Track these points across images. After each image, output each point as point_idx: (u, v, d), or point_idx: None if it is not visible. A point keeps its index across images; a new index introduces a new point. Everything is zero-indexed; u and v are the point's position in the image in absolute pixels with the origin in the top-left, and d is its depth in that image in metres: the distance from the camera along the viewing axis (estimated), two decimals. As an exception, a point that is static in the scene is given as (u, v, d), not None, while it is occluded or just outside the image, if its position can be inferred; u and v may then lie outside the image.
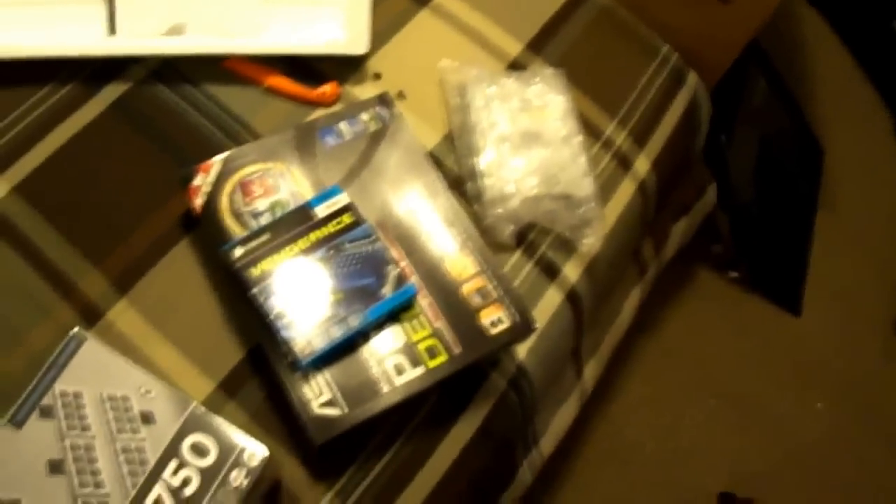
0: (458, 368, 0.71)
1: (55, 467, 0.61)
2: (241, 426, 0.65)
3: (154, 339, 0.73)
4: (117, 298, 0.74)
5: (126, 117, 0.81)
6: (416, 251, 0.74)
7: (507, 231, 0.79)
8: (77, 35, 0.81)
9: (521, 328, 0.73)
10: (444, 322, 0.72)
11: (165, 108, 0.82)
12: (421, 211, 0.76)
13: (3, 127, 0.80)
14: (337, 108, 0.83)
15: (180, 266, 0.76)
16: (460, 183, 0.82)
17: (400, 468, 0.72)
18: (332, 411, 0.68)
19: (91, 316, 0.74)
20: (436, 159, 0.82)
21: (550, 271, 0.81)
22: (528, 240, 0.81)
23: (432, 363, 0.70)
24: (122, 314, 0.74)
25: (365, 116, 0.79)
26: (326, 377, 0.69)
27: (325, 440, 0.67)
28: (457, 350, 0.71)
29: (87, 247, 0.76)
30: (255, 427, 0.71)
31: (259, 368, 0.73)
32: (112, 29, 0.81)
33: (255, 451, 0.63)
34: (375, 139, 0.78)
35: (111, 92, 0.82)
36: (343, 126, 0.79)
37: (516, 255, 0.81)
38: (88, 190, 0.78)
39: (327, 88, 0.82)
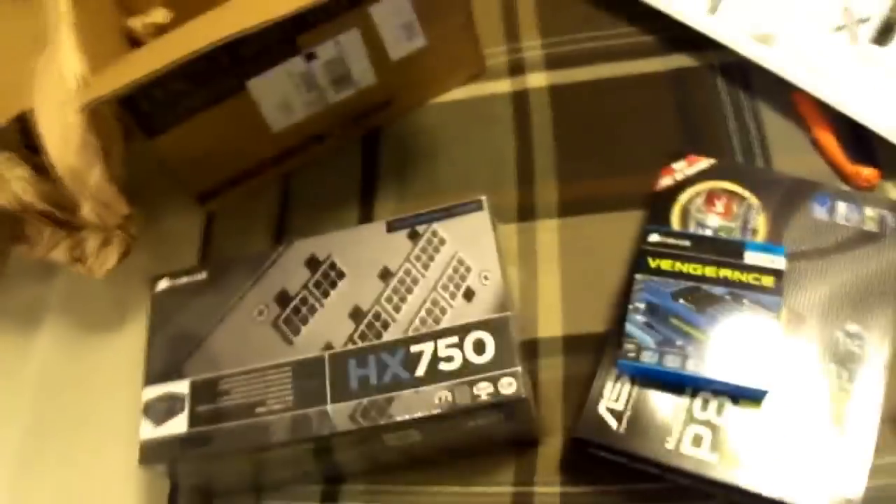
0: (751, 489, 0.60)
1: (384, 274, 0.68)
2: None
3: (549, 267, 0.76)
4: (551, 217, 0.78)
5: (671, 86, 0.83)
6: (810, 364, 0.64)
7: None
8: (683, 4, 0.83)
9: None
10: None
11: (708, 94, 0.82)
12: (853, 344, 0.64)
13: (571, 40, 0.88)
14: (847, 188, 0.74)
15: (610, 226, 0.76)
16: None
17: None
18: (611, 421, 0.63)
19: (524, 213, 0.79)
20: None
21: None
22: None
23: (731, 461, 0.61)
24: (545, 231, 0.77)
25: (869, 212, 0.69)
26: (634, 393, 0.64)
27: (582, 437, 0.64)
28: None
29: (566, 163, 0.81)
30: (541, 394, 0.70)
31: (593, 350, 0.70)
32: (714, 9, 0.82)
33: (515, 387, 0.61)
34: (862, 240, 0.68)
35: (675, 61, 0.84)
36: (841, 206, 0.69)
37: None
38: (599, 122, 0.82)
39: (867, 173, 0.73)
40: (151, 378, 0.69)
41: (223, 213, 0.87)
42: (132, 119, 0.75)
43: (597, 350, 0.71)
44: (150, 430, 0.66)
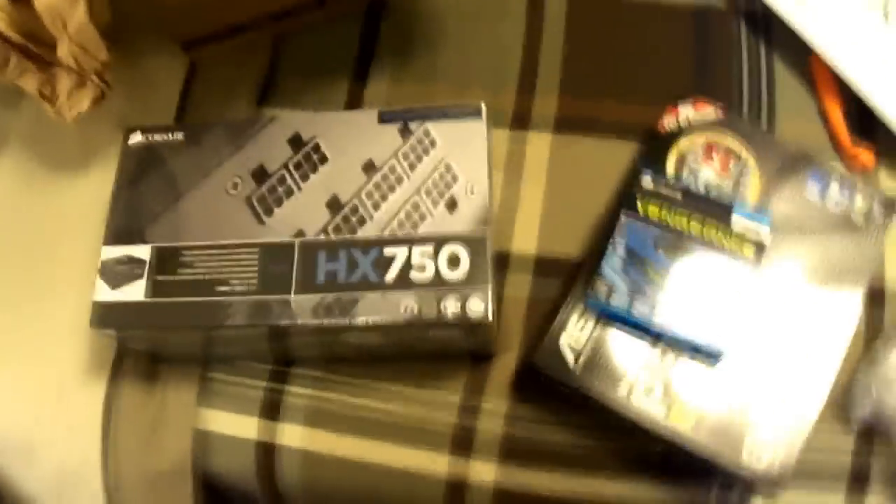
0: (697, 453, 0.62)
1: (368, 167, 0.66)
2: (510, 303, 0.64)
3: (534, 181, 0.74)
4: (545, 129, 0.76)
5: (692, 22, 0.79)
6: (775, 341, 0.64)
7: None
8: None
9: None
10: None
11: (727, 38, 0.79)
12: (814, 326, 0.65)
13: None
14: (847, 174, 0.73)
15: (603, 152, 0.74)
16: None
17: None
18: (568, 356, 0.64)
19: (518, 121, 0.76)
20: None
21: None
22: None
23: (677, 416, 0.62)
24: (536, 143, 0.75)
25: (859, 202, 0.68)
26: (597, 334, 0.64)
27: (537, 366, 0.64)
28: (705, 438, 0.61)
29: (570, 77, 0.77)
30: (503, 310, 0.70)
31: (563, 275, 0.70)
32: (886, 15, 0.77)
33: (482, 310, 0.61)
34: (842, 226, 0.67)
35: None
36: (834, 189, 0.69)
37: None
38: (612, 43, 0.79)
39: (865, 156, 0.72)
40: (112, 237, 0.66)
41: (207, 65, 0.82)
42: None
43: (566, 276, 0.71)
44: (105, 293, 0.65)
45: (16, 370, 0.75)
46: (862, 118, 0.74)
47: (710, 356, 0.63)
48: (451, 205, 0.64)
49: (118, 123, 0.74)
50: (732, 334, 0.63)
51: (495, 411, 0.68)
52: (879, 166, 0.73)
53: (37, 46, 0.70)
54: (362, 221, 0.64)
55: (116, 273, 0.65)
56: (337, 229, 0.64)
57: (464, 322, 0.61)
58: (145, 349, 0.71)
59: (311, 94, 0.79)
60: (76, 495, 0.74)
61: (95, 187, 0.74)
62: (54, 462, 0.74)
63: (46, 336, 0.75)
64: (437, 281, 0.61)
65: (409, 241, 0.63)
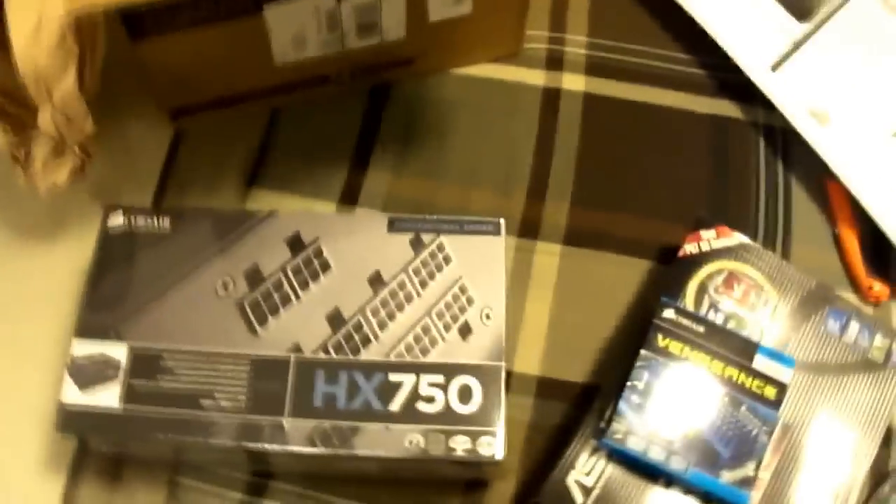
0: None
1: (374, 280, 0.60)
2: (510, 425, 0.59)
3: (541, 296, 0.70)
4: (555, 241, 0.72)
5: (711, 132, 0.77)
6: (792, 482, 0.61)
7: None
8: (748, 51, 0.76)
9: None
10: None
11: (745, 152, 0.76)
12: (833, 463, 0.62)
13: (620, 49, 0.80)
14: (868, 309, 0.71)
15: (614, 269, 0.71)
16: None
17: None
18: (577, 495, 0.60)
19: (527, 230, 0.72)
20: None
21: None
22: None
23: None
24: (545, 256, 0.71)
25: (878, 341, 0.66)
26: (608, 473, 0.60)
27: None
28: None
29: (583, 185, 0.74)
30: (513, 435, 0.65)
31: (567, 401, 0.67)
32: (777, 67, 0.75)
33: (493, 451, 0.56)
34: (864, 368, 0.65)
35: (722, 107, 0.78)
36: (854, 327, 0.66)
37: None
38: (628, 149, 0.76)
39: (878, 289, 0.70)
40: (84, 330, 0.60)
41: (195, 135, 0.76)
42: (118, 14, 0.63)
43: (570, 401, 0.67)
44: (73, 394, 0.58)
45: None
46: (877, 245, 0.72)
47: (728, 500, 0.60)
48: (465, 331, 0.59)
49: (94, 192, 0.67)
50: (752, 480, 0.60)
51: (488, 543, 0.63)
52: (893, 299, 0.71)
53: (13, 105, 0.63)
54: (366, 341, 0.59)
55: (87, 373, 0.58)
56: (338, 347, 0.58)
57: (473, 461, 0.56)
58: (110, 452, 0.65)
59: (305, 179, 0.74)
60: None
61: (66, 263, 0.68)
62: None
63: (4, 421, 0.67)
64: (447, 415, 0.57)
65: (418, 369, 0.58)
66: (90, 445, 0.64)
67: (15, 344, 0.69)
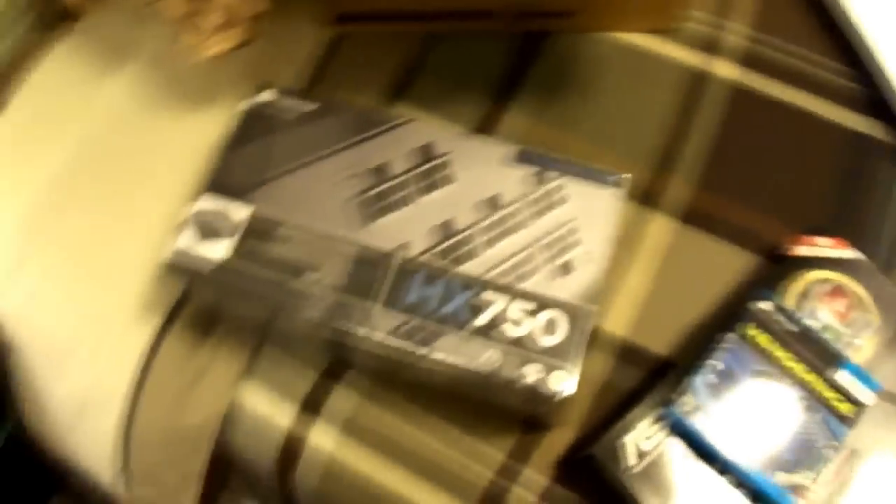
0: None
1: (491, 203, 0.62)
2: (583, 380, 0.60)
3: (646, 265, 0.71)
4: (673, 217, 0.72)
5: (850, 148, 0.76)
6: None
7: None
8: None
9: None
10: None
11: (881, 176, 0.75)
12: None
13: (781, 48, 0.79)
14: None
15: (723, 257, 0.71)
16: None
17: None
18: (630, 457, 0.61)
19: (647, 199, 0.73)
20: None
21: None
22: None
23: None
24: (659, 228, 0.72)
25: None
26: (664, 444, 0.61)
27: (594, 457, 0.61)
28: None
29: (712, 170, 0.74)
30: (583, 389, 0.67)
31: (645, 370, 0.67)
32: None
33: (563, 387, 0.58)
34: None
35: (868, 125, 0.76)
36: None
37: None
38: (764, 146, 0.75)
39: None
40: (213, 187, 0.64)
41: (353, 42, 0.79)
42: None
43: (648, 371, 0.68)
44: (188, 240, 0.62)
45: (78, 280, 0.73)
46: None
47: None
48: (565, 269, 0.60)
49: (248, 73, 0.71)
50: (804, 490, 0.60)
51: (533, 483, 0.65)
52: None
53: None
54: (470, 256, 0.61)
55: (206, 224, 0.63)
56: (442, 255, 0.61)
57: (541, 393, 0.58)
58: (208, 304, 0.69)
59: (446, 104, 0.76)
60: (92, 423, 0.73)
61: (204, 130, 0.72)
62: (84, 383, 0.72)
63: (117, 256, 0.73)
64: (528, 341, 0.58)
65: (512, 292, 0.60)
66: (191, 297, 0.69)
67: (146, 194, 0.75)
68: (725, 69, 0.78)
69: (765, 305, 0.64)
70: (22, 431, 0.85)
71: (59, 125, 0.79)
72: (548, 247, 0.61)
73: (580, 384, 0.67)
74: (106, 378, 0.71)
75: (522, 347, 0.58)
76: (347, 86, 0.77)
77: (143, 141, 0.77)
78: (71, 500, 1.11)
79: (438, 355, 0.58)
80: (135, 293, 0.71)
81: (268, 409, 0.69)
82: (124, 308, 0.71)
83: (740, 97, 0.77)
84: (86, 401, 0.73)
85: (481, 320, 0.59)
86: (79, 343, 0.72)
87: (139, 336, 0.70)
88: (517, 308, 0.59)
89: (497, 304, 0.59)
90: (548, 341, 0.58)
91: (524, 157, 0.64)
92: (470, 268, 0.60)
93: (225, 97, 0.75)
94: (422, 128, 0.65)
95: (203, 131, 0.73)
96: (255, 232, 0.62)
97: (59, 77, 0.82)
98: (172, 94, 0.78)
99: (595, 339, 0.69)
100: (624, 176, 0.63)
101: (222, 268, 0.61)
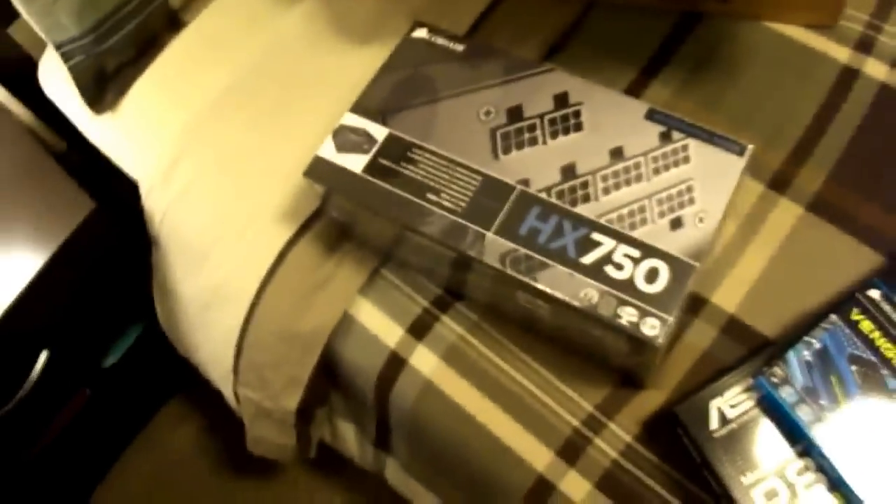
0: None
1: (615, 153, 0.65)
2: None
3: (765, 247, 0.72)
4: (799, 202, 0.73)
5: None
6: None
7: None
8: None
9: None
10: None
11: None
12: None
13: None
14: None
15: (844, 250, 0.71)
16: None
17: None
18: (714, 421, 0.62)
19: (777, 182, 0.74)
20: None
21: None
22: None
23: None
24: (785, 212, 0.73)
25: None
26: (750, 414, 0.62)
27: (679, 417, 0.62)
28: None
29: (845, 164, 0.74)
30: (675, 351, 0.68)
31: (747, 346, 0.68)
32: None
33: (655, 332, 0.59)
34: None
35: None
36: None
37: None
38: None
39: None
40: (358, 108, 0.69)
41: (515, 1, 0.84)
42: None
43: (749, 350, 0.68)
44: (329, 151, 0.68)
45: (225, 185, 0.81)
46: None
47: (850, 498, 0.59)
48: (676, 224, 0.62)
49: (410, 15, 0.76)
50: (883, 489, 0.59)
51: (616, 438, 0.66)
52: None
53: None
54: (586, 199, 0.63)
55: (347, 139, 0.68)
56: (560, 195, 0.64)
57: (632, 336, 0.59)
58: (340, 220, 0.74)
59: (594, 69, 0.79)
60: (219, 313, 0.79)
61: (361, 63, 0.78)
62: (218, 277, 0.79)
63: (264, 167, 0.80)
64: (628, 285, 0.60)
65: (620, 238, 0.62)
66: (325, 206, 0.74)
67: (299, 117, 0.81)
68: (876, 69, 0.77)
69: (874, 293, 0.63)
70: (154, 329, 0.93)
71: (229, 51, 0.87)
72: (663, 201, 0.63)
73: (680, 351, 0.69)
74: (234, 278, 0.78)
75: (621, 290, 0.60)
76: (502, 38, 0.81)
77: (305, 69, 0.83)
78: (191, 401, 1.20)
79: (540, 285, 0.61)
80: (274, 203, 0.78)
81: (378, 326, 0.74)
82: (262, 215, 0.78)
83: (887, 97, 0.76)
84: (213, 297, 0.80)
85: (587, 259, 0.61)
86: (216, 243, 0.79)
87: (272, 242, 0.76)
88: (622, 253, 0.61)
89: (604, 246, 0.61)
90: (647, 289, 0.60)
91: (654, 117, 0.66)
92: (584, 210, 0.63)
93: (386, 36, 0.80)
94: (561, 76, 0.68)
95: (360, 65, 0.78)
96: (388, 151, 0.67)
97: (235, 7, 0.90)
98: (337, 30, 0.84)
99: (702, 310, 0.70)
100: (749, 146, 0.64)
101: (354, 179, 0.66)
